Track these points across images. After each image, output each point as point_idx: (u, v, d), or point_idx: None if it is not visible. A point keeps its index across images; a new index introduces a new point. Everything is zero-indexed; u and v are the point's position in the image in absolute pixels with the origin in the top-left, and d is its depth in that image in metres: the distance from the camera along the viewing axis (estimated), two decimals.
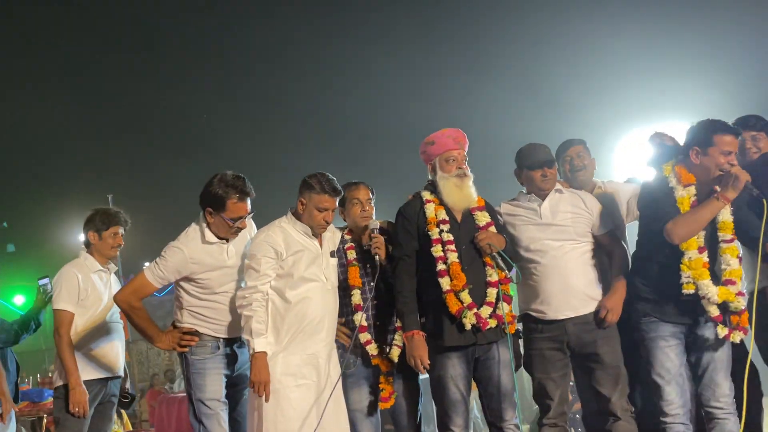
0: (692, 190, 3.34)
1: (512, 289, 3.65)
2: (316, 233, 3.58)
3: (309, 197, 3.53)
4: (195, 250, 3.54)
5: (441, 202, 3.59)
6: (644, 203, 3.50)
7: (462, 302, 3.42)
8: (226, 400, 3.62)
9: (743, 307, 3.30)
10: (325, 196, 3.50)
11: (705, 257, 3.32)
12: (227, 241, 3.62)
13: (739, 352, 3.46)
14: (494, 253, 3.46)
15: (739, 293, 3.32)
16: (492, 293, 3.47)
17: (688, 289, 3.30)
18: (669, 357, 3.37)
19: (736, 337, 3.31)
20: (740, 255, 3.35)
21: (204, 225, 3.59)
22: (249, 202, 3.58)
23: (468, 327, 3.39)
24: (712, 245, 3.36)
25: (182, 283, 3.61)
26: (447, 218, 3.55)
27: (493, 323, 3.43)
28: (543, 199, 3.69)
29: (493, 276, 3.48)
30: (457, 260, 3.46)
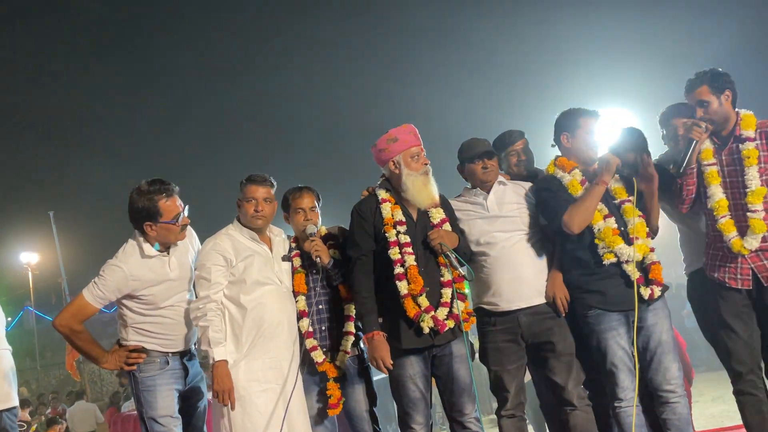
0: (577, 172, 3.56)
1: (466, 286, 3.64)
2: (261, 231, 3.61)
3: (240, 195, 3.62)
4: (134, 266, 3.44)
5: (397, 201, 3.54)
6: (540, 207, 3.66)
7: (419, 306, 3.39)
8: (179, 416, 3.53)
9: (655, 259, 3.47)
10: (249, 186, 3.59)
11: (612, 224, 3.46)
12: (168, 253, 3.53)
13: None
14: (446, 252, 3.44)
15: (651, 248, 3.48)
16: (447, 294, 3.44)
17: (608, 259, 3.44)
18: (620, 345, 3.43)
19: (657, 291, 3.43)
20: (640, 214, 3.51)
21: (141, 239, 3.49)
22: (178, 198, 3.51)
23: (426, 331, 3.37)
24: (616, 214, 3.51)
25: (125, 301, 3.50)
26: (403, 218, 3.50)
27: (450, 324, 3.41)
28: (488, 192, 3.70)
29: (446, 275, 3.46)
30: (415, 263, 3.42)
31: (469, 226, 3.69)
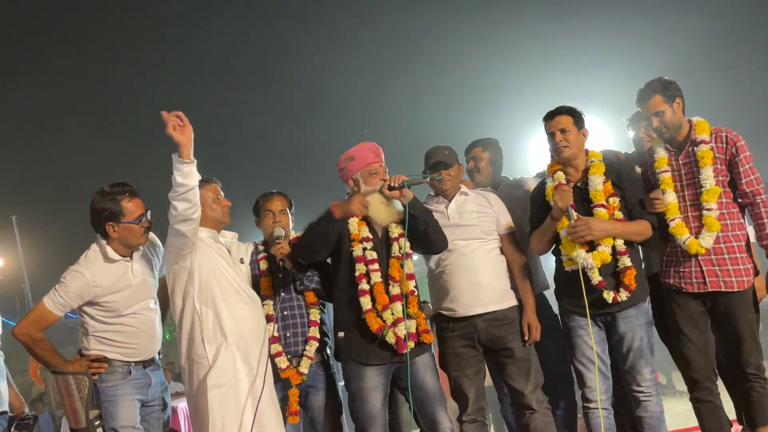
0: (560, 175, 3.60)
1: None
2: (222, 227, 3.66)
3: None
4: (97, 272, 3.41)
5: (363, 218, 3.57)
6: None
7: (384, 321, 3.41)
8: (141, 426, 3.50)
9: (628, 264, 3.45)
10: (210, 185, 3.64)
11: None
12: (131, 258, 3.52)
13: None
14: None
15: (621, 252, 3.47)
16: (397, 309, 3.41)
17: (569, 266, 3.52)
18: (588, 344, 3.51)
19: (622, 295, 3.45)
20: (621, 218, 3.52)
21: (104, 243, 3.47)
22: (141, 200, 3.49)
23: (392, 341, 3.38)
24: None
25: (86, 308, 3.46)
26: (370, 235, 3.54)
27: (411, 344, 3.41)
28: (450, 201, 3.77)
29: (396, 289, 3.45)
30: (380, 279, 3.45)
31: None
